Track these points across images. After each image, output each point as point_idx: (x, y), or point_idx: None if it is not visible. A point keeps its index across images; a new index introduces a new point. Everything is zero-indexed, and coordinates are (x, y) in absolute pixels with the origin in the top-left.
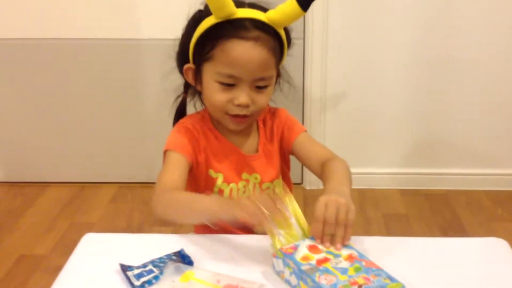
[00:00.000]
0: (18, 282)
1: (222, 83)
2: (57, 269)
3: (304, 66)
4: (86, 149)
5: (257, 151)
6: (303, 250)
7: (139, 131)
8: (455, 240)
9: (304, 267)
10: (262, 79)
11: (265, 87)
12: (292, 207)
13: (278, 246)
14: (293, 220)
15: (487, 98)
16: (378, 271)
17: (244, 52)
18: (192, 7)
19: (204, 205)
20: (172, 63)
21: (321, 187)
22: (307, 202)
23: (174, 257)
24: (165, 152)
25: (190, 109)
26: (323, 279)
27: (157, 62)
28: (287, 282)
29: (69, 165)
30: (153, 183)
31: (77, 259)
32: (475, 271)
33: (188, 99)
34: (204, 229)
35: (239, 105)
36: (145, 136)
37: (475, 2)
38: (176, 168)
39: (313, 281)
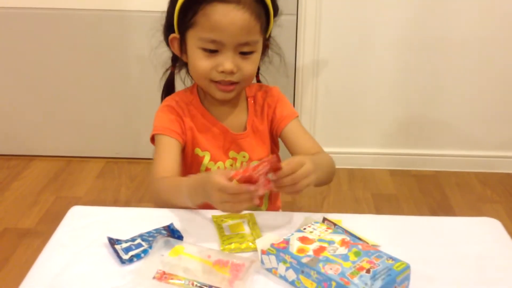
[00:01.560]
0: (2, 256)
1: (205, 49)
2: (42, 243)
3: (296, 43)
4: (73, 123)
5: (245, 129)
6: (295, 243)
7: (126, 106)
8: (447, 219)
9: (304, 260)
10: (246, 43)
11: (251, 53)
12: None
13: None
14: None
15: (478, 80)
16: (378, 252)
17: (225, 14)
18: None
19: (185, 192)
20: (160, 36)
21: None
22: None
23: (163, 231)
24: (153, 135)
25: (178, 84)
26: (328, 269)
27: (144, 35)
28: (283, 278)
29: (56, 139)
30: (140, 158)
31: (63, 232)
32: (470, 250)
33: (176, 73)
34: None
35: (223, 72)
36: (132, 111)
37: None
38: (168, 153)
39: (319, 272)
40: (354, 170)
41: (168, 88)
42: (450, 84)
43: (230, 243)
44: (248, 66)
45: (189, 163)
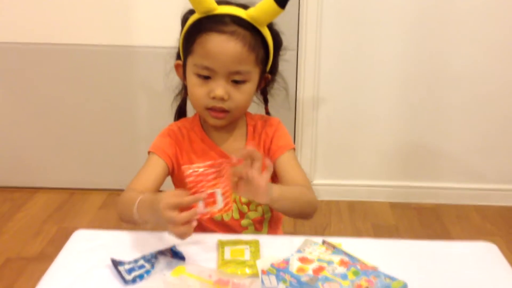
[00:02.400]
0: (4, 285)
1: (199, 76)
2: (45, 271)
3: (297, 76)
4: (77, 155)
5: None
6: (295, 263)
7: (130, 138)
8: (445, 243)
9: (304, 279)
10: (237, 72)
11: (243, 82)
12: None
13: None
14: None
15: (479, 113)
16: (376, 272)
17: (218, 44)
18: (186, 9)
19: (136, 205)
20: (172, 63)
21: None
22: None
23: (166, 253)
24: (148, 152)
25: (190, 108)
26: (327, 287)
27: (151, 69)
28: None
29: (59, 171)
30: None
31: (67, 254)
32: (467, 273)
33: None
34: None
35: (214, 98)
36: (136, 143)
37: (470, 12)
38: (150, 171)
39: None
40: (355, 202)
41: (180, 112)
42: (449, 116)
43: (227, 268)
44: (239, 95)
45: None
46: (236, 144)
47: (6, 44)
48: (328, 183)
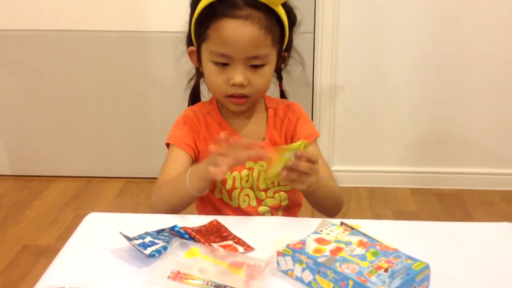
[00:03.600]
0: (21, 272)
1: (216, 63)
2: None
3: (314, 60)
4: (93, 143)
5: (263, 139)
6: (311, 244)
7: (145, 125)
8: (466, 224)
9: (320, 259)
10: (256, 57)
11: (262, 66)
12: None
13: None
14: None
15: (499, 97)
16: (396, 253)
17: (234, 30)
18: None
19: (185, 180)
20: (182, 47)
21: None
22: None
23: (167, 233)
24: (167, 144)
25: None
26: (345, 268)
27: (164, 55)
28: (299, 279)
29: (76, 159)
30: None
31: (79, 236)
32: (490, 253)
33: (201, 82)
34: (214, 212)
35: (234, 85)
36: (152, 131)
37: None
38: (176, 164)
39: (335, 271)
40: (375, 188)
41: (194, 97)
42: (471, 100)
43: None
44: (259, 79)
45: None
46: (256, 129)
47: (18, 31)
48: (347, 169)
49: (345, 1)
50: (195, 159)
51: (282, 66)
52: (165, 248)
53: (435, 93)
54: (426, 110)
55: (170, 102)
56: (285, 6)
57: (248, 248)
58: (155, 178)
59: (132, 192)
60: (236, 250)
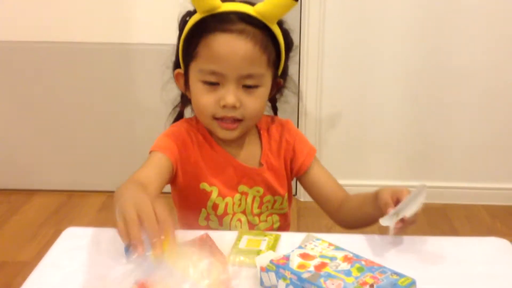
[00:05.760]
0: None
1: (205, 82)
2: None
3: (299, 75)
4: (74, 156)
5: (260, 163)
6: (295, 259)
7: (129, 138)
8: (454, 239)
9: (305, 275)
10: (249, 76)
11: (255, 87)
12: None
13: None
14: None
15: (488, 111)
16: (382, 268)
17: (226, 44)
18: (184, 11)
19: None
20: (169, 73)
21: None
22: (301, 213)
23: None
24: (150, 153)
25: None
26: (330, 284)
27: (149, 68)
28: None
29: (57, 173)
30: None
31: (57, 252)
32: (478, 268)
33: (185, 110)
34: (188, 225)
35: (225, 106)
36: (135, 144)
37: (476, 7)
38: (154, 166)
39: (319, 287)
40: None
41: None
42: (457, 115)
43: (238, 255)
44: (252, 101)
45: (193, 199)
46: (250, 152)
47: (1, 43)
48: None
49: (330, 16)
50: (174, 171)
51: (277, 96)
52: None
53: (421, 108)
54: (412, 125)
55: (153, 115)
56: (282, 27)
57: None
58: None
59: (114, 207)
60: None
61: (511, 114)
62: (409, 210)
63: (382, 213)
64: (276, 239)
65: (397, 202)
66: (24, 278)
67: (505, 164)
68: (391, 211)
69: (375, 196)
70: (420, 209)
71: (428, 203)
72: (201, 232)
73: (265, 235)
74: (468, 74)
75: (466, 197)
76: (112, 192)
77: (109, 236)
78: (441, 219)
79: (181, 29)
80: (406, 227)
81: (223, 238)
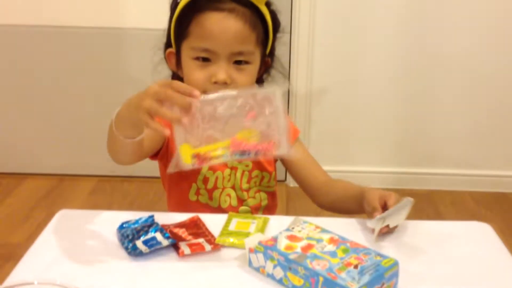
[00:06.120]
0: None
1: (197, 59)
2: None
3: (290, 61)
4: (66, 140)
5: None
6: (283, 241)
7: None
8: (436, 223)
9: (291, 256)
10: (240, 53)
11: (246, 63)
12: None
13: (191, 153)
14: None
15: (472, 99)
16: (366, 250)
17: (218, 22)
18: None
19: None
20: (161, 54)
21: None
22: (291, 198)
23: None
24: None
25: None
26: (316, 265)
27: (140, 52)
28: (270, 276)
29: (48, 157)
30: (134, 177)
31: (50, 233)
32: (460, 251)
33: None
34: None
35: (216, 82)
36: None
37: (459, 1)
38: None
39: (306, 268)
40: None
41: None
42: (442, 103)
43: (227, 237)
44: (243, 77)
45: (186, 172)
46: None
47: None
48: None
49: (322, 4)
50: (166, 140)
51: (265, 76)
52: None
53: (408, 95)
54: (399, 112)
55: None
56: (270, 8)
57: (216, 247)
58: (130, 177)
59: (105, 191)
60: (203, 249)
61: (496, 102)
62: (394, 220)
63: (365, 212)
64: (265, 222)
65: (384, 205)
66: (16, 260)
67: (491, 151)
68: (378, 216)
69: (361, 195)
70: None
71: (414, 189)
72: (192, 214)
73: (254, 218)
74: (453, 63)
75: (451, 183)
76: (103, 176)
77: (102, 218)
78: (427, 205)
79: (172, 9)
80: (389, 232)
81: (213, 220)
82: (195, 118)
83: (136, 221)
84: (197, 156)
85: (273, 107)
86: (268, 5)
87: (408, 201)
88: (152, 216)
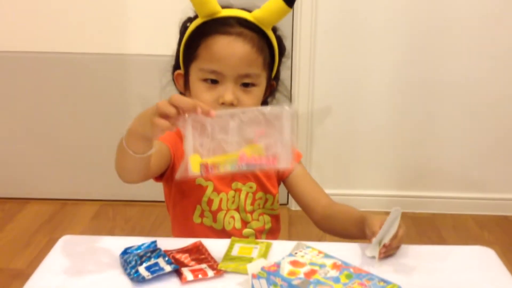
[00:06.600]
0: None
1: (205, 80)
2: None
3: (291, 84)
4: (68, 165)
5: None
6: (286, 266)
7: None
8: (440, 248)
9: (295, 282)
10: (247, 75)
11: (252, 85)
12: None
13: (199, 161)
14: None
15: (474, 122)
16: (369, 275)
17: (226, 45)
18: (184, 18)
19: (129, 129)
20: (169, 76)
21: None
22: (293, 221)
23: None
24: None
25: None
26: None
27: (143, 78)
28: None
29: (51, 182)
30: (136, 201)
31: (53, 259)
32: (463, 277)
33: None
34: (182, 233)
35: (223, 104)
36: None
37: (461, 24)
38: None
39: None
40: None
41: None
42: (445, 126)
43: (230, 262)
44: (249, 99)
45: (191, 194)
46: None
47: None
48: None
49: (322, 24)
50: (172, 161)
51: (270, 99)
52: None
53: (410, 118)
54: (402, 135)
55: None
56: (275, 33)
57: (218, 273)
58: (131, 201)
59: (108, 215)
60: (206, 275)
61: (499, 125)
62: (389, 235)
63: (367, 237)
64: (268, 247)
65: None
66: (18, 285)
67: (493, 174)
68: (374, 240)
69: (362, 221)
70: (399, 231)
71: (416, 212)
72: (194, 240)
73: (257, 243)
74: (457, 85)
75: (453, 206)
76: (105, 200)
77: (105, 244)
78: (429, 229)
79: (182, 32)
80: (390, 250)
81: (216, 245)
82: (206, 130)
83: (139, 247)
84: (205, 165)
85: (281, 125)
86: (274, 30)
87: (397, 211)
88: (154, 242)
